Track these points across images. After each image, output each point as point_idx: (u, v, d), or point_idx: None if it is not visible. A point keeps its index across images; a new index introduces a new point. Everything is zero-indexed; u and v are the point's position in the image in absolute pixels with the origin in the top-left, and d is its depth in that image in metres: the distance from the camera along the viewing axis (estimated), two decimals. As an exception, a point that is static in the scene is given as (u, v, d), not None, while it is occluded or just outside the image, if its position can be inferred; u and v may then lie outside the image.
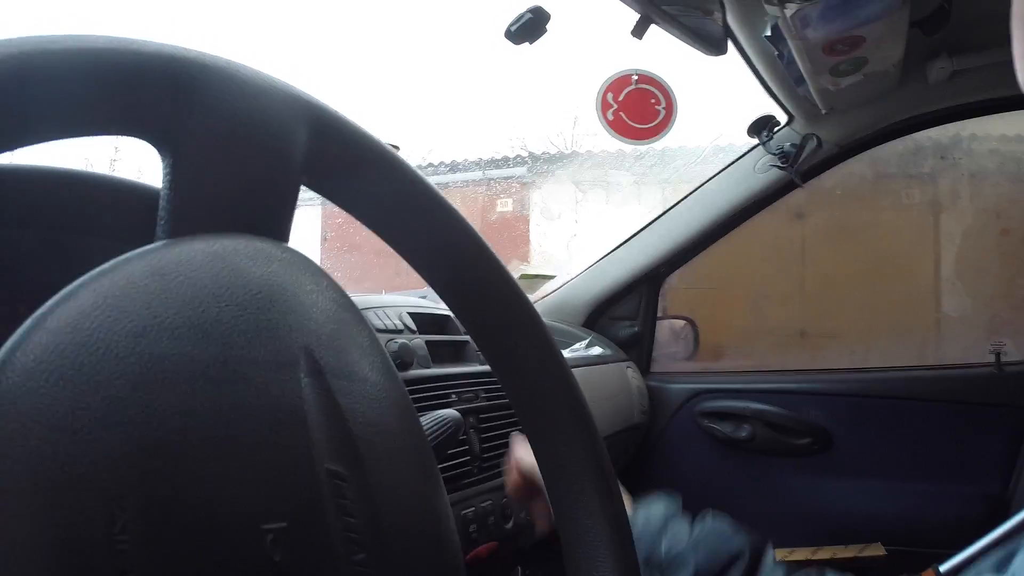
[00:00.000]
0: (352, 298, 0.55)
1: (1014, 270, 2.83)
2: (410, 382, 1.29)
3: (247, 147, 0.50)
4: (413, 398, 1.27)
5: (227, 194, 0.50)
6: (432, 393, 1.33)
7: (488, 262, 0.66)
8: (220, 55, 0.50)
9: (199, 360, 0.42)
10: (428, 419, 0.92)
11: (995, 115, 2.47)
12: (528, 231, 6.20)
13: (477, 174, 7.27)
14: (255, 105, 0.50)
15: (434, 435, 0.90)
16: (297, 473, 0.45)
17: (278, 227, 0.53)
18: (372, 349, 0.55)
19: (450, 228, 0.64)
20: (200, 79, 0.48)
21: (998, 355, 2.42)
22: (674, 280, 2.80)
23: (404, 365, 1.30)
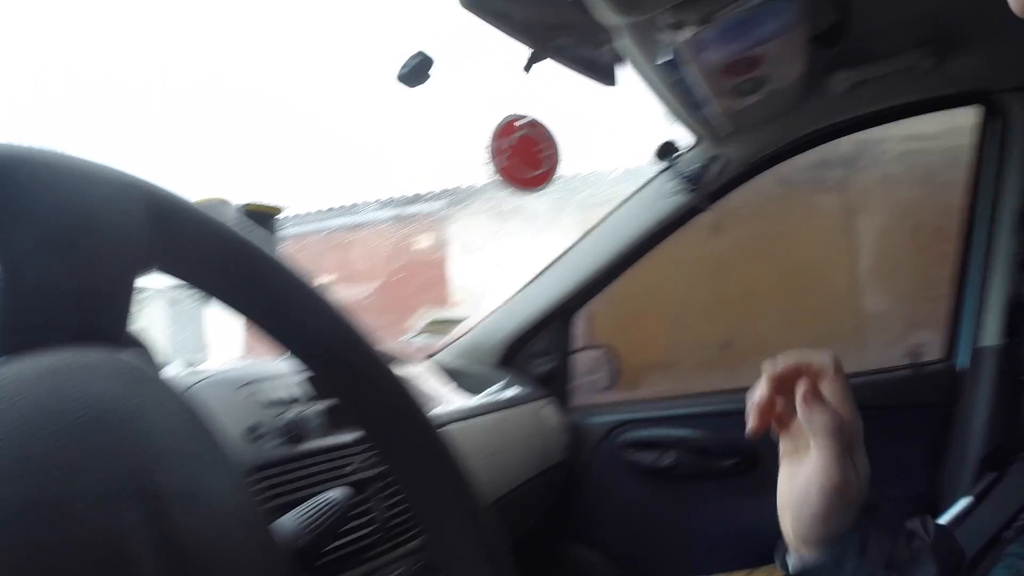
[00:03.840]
0: (240, 371, 0.52)
1: (927, 264, 2.85)
2: (305, 455, 1.25)
3: (81, 246, 0.47)
4: (308, 473, 1.21)
5: (61, 300, 0.47)
6: (329, 464, 1.28)
7: (347, 335, 0.66)
8: (48, 147, 0.47)
9: (11, 505, 0.38)
10: (309, 505, 0.87)
11: (898, 122, 2.49)
12: (446, 269, 6.19)
13: (392, 212, 7.24)
14: (89, 199, 0.47)
15: (317, 522, 0.85)
16: None
17: (113, 332, 0.50)
18: (216, 461, 0.52)
19: (307, 303, 0.63)
20: (25, 176, 0.45)
21: (915, 356, 2.47)
22: (594, 309, 2.78)
23: (297, 439, 1.25)
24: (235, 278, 0.60)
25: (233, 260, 0.59)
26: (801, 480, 0.93)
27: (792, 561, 0.98)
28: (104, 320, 0.49)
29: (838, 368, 0.94)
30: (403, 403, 0.68)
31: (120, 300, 0.50)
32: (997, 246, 2.37)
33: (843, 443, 0.92)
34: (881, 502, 0.97)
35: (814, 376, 0.95)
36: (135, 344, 0.64)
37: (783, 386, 0.97)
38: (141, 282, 0.53)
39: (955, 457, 2.36)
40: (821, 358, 0.95)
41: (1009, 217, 2.33)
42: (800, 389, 0.94)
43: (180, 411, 0.50)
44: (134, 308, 0.52)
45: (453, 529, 0.69)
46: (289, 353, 0.64)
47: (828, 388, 0.94)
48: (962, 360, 2.45)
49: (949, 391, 2.43)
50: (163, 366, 1.27)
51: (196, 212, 0.56)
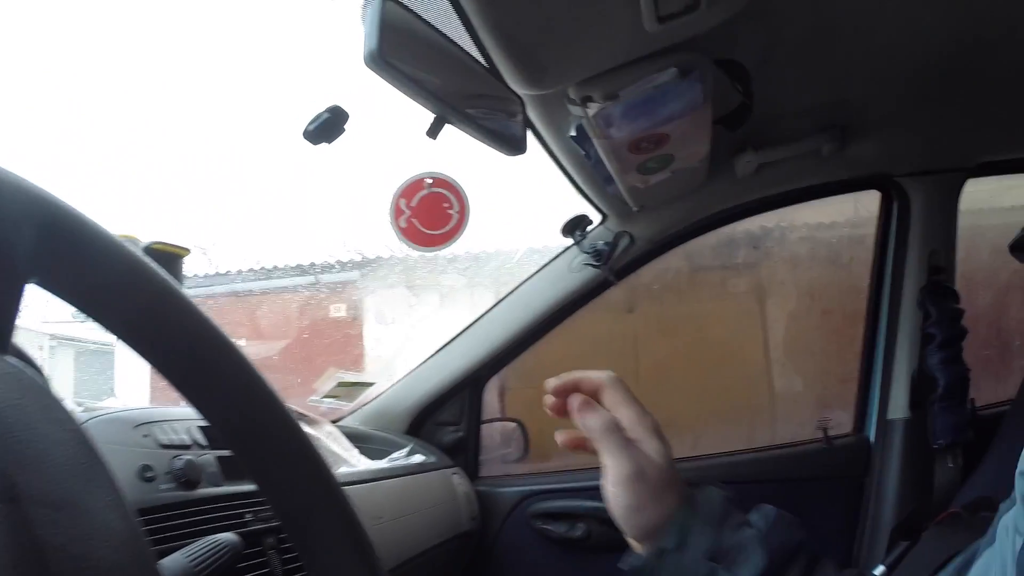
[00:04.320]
0: (138, 411, 0.50)
1: (836, 346, 2.90)
2: (198, 502, 1.22)
3: None
4: (201, 519, 1.18)
5: None
6: (223, 513, 1.26)
7: (245, 375, 0.62)
8: None
9: None
10: (200, 545, 0.85)
11: (808, 204, 2.55)
12: (358, 336, 6.12)
13: (309, 279, 7.15)
14: None
15: (205, 563, 0.83)
16: None
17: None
18: (94, 476, 0.49)
19: (201, 337, 0.60)
20: None
21: (825, 430, 2.51)
22: (505, 381, 2.79)
23: (190, 484, 1.23)
24: (128, 303, 0.57)
25: (128, 283, 0.56)
26: (606, 480, 0.95)
27: (625, 561, 1.00)
28: None
29: (615, 380, 1.00)
30: (299, 453, 0.65)
31: (4, 306, 0.49)
32: (902, 323, 2.44)
33: (623, 438, 0.95)
34: (709, 492, 1.00)
35: (591, 391, 1.01)
36: (22, 358, 0.62)
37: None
38: (29, 293, 0.51)
39: (869, 526, 2.41)
40: (597, 374, 1.01)
41: (911, 295, 2.39)
42: (572, 402, 0.99)
43: (59, 418, 0.49)
44: (14, 317, 0.51)
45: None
46: (177, 390, 0.61)
47: (608, 397, 0.99)
48: (872, 432, 2.51)
49: (861, 463, 2.49)
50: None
51: (92, 228, 0.54)
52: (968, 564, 0.93)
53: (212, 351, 0.61)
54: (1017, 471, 0.74)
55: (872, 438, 2.51)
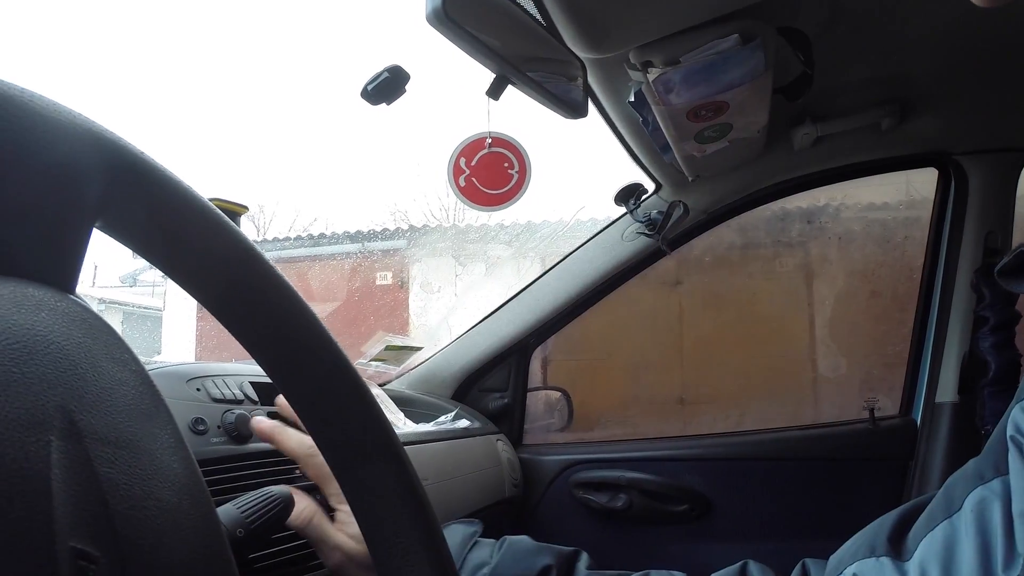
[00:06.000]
0: (191, 366, 0.49)
1: (884, 329, 2.88)
2: (248, 456, 1.23)
3: (29, 183, 0.45)
4: (251, 473, 1.18)
5: (12, 234, 0.45)
6: (273, 468, 1.26)
7: (311, 329, 0.61)
8: (14, 82, 0.45)
9: None
10: (252, 496, 0.85)
11: (860, 184, 2.53)
12: (404, 303, 6.16)
13: (356, 246, 7.20)
14: (44, 138, 0.45)
15: (257, 514, 0.83)
16: (31, 550, 0.38)
17: (61, 274, 0.49)
18: (156, 417, 0.50)
19: (268, 288, 0.59)
20: None
21: (872, 411, 2.48)
22: (550, 350, 2.79)
23: (242, 438, 1.23)
24: (192, 245, 0.56)
25: (192, 225, 0.56)
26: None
27: None
28: (47, 262, 0.48)
29: None
30: (363, 408, 0.64)
31: (65, 246, 0.49)
32: (954, 304, 2.41)
33: None
34: (452, 531, 1.03)
35: None
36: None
37: None
38: (97, 234, 0.51)
39: (912, 510, 2.38)
40: None
41: (966, 276, 2.37)
42: None
43: (122, 358, 0.49)
44: (81, 258, 0.51)
45: (403, 548, 0.64)
46: (238, 336, 0.60)
47: None
48: (919, 415, 2.48)
49: (906, 445, 2.46)
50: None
51: (162, 173, 0.53)
52: (909, 520, 0.90)
53: (280, 300, 0.60)
54: (1008, 435, 0.72)
55: (919, 421, 2.48)
